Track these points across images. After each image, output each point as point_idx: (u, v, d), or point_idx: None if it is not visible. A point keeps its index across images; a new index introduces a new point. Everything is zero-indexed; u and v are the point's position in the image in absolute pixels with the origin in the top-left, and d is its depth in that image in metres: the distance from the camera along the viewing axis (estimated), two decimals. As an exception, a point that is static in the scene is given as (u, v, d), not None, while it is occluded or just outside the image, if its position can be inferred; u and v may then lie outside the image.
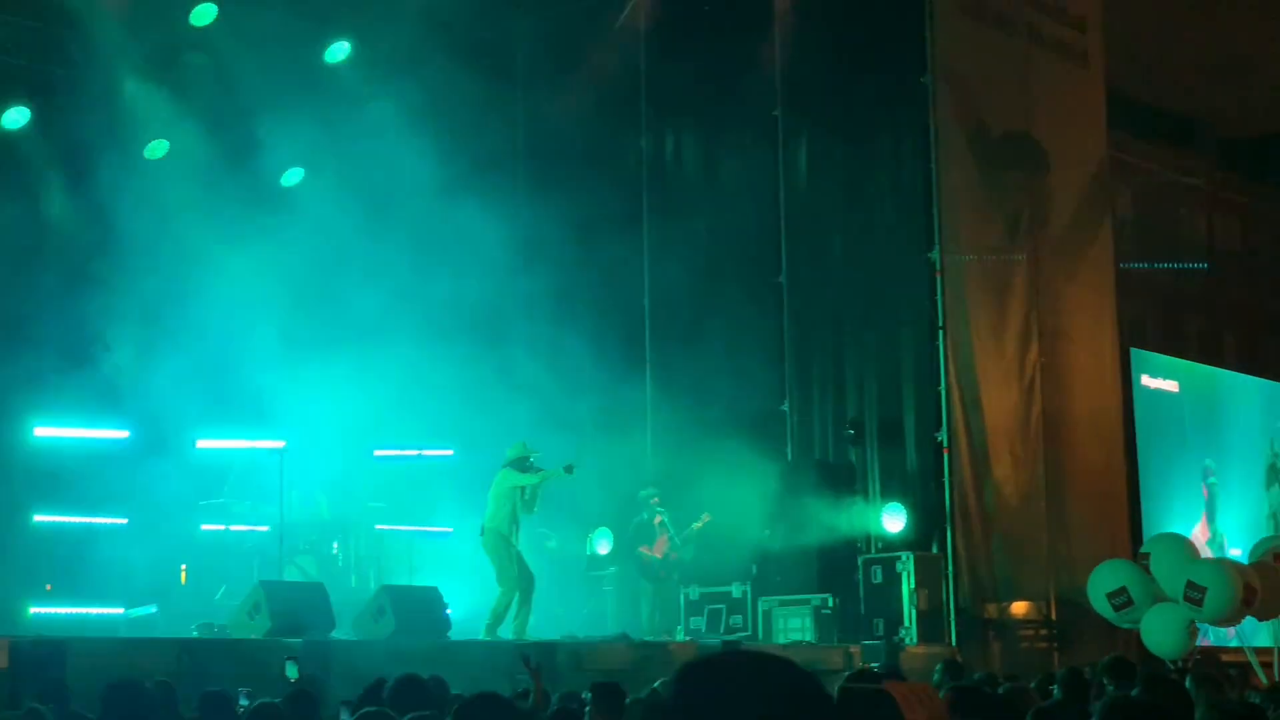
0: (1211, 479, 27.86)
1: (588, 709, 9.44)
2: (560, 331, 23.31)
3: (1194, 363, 30.80)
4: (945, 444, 21.42)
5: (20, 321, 20.51)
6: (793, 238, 23.21)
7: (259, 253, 20.37)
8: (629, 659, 17.05)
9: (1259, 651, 21.98)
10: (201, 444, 20.96)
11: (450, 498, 21.58)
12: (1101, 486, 23.63)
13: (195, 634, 16.91)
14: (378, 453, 22.53)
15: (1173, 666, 18.37)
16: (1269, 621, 21.70)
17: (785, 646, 19.70)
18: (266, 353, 20.51)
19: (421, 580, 19.79)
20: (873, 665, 17.51)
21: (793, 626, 20.85)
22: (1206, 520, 27.48)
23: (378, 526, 21.70)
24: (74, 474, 19.76)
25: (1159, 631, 19.77)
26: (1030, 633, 22.28)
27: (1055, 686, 11.74)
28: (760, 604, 21.42)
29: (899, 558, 20.96)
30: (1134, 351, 27.26)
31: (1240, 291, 39.66)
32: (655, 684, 11.02)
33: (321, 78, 22.90)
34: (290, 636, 15.13)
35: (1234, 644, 22.41)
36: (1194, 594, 19.36)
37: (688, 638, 20.68)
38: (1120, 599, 19.93)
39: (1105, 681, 12.16)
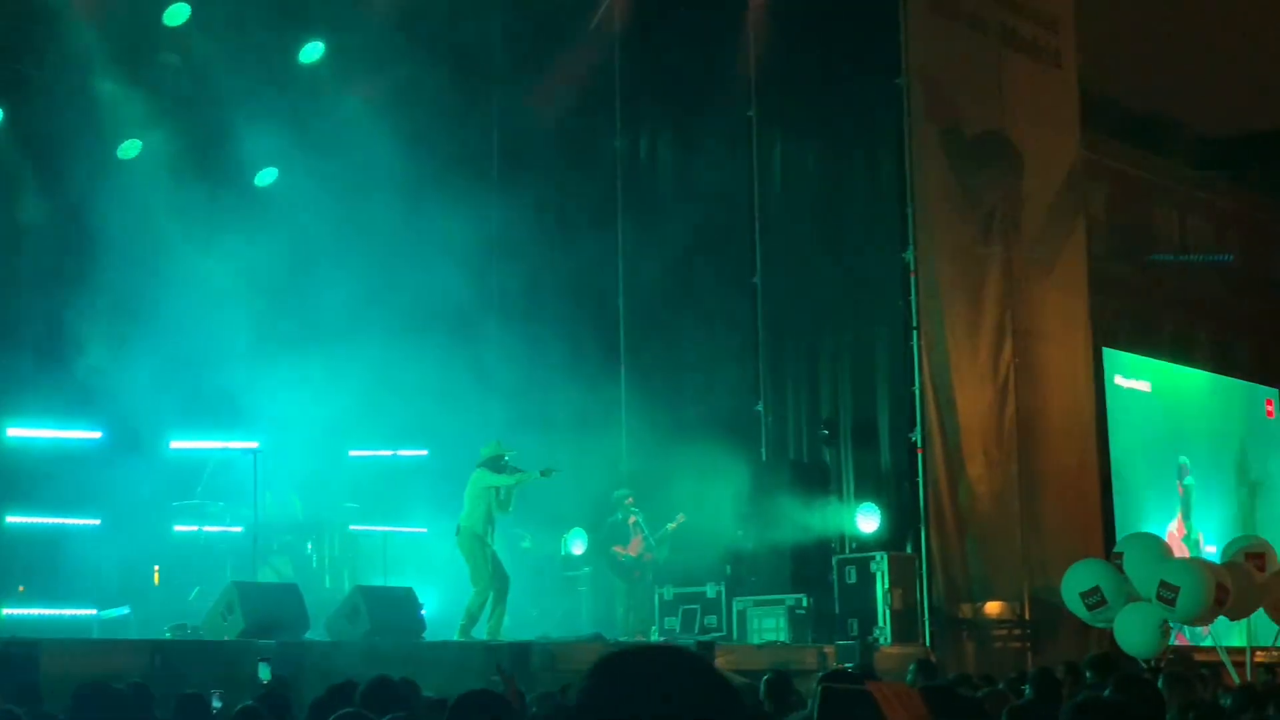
0: (1187, 478, 27.95)
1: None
2: (534, 331, 23.31)
3: (1166, 362, 30.89)
4: (919, 444, 21.47)
5: (-7, 321, 20.44)
6: (767, 238, 23.24)
7: (233, 252, 20.32)
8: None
9: (1231, 651, 22.09)
10: (176, 445, 20.88)
11: (425, 498, 21.54)
12: (1075, 486, 23.70)
13: (168, 635, 16.85)
14: (352, 453, 22.47)
15: (1145, 666, 18.44)
16: (1241, 621, 21.82)
17: (760, 647, 19.71)
18: (241, 353, 20.45)
19: (396, 581, 19.74)
20: (847, 665, 17.56)
21: (767, 626, 20.87)
22: (1182, 518, 27.57)
23: (352, 527, 21.64)
24: (47, 474, 19.65)
25: (1132, 631, 19.83)
26: (1004, 632, 22.34)
27: (1026, 686, 11.76)
28: (735, 604, 21.44)
29: (873, 558, 20.99)
30: (1106, 351, 27.33)
31: (1213, 291, 39.80)
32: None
33: (295, 77, 22.84)
34: (264, 638, 15.09)
35: (1207, 643, 22.53)
36: (1167, 594, 19.43)
37: (662, 638, 20.67)
38: (1093, 598, 20.00)
39: (1089, 675, 12.22)
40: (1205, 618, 20.48)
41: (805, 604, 20.99)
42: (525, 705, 10.61)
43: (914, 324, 21.66)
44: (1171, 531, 26.93)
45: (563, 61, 24.25)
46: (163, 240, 20.57)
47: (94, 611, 18.87)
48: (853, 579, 21.04)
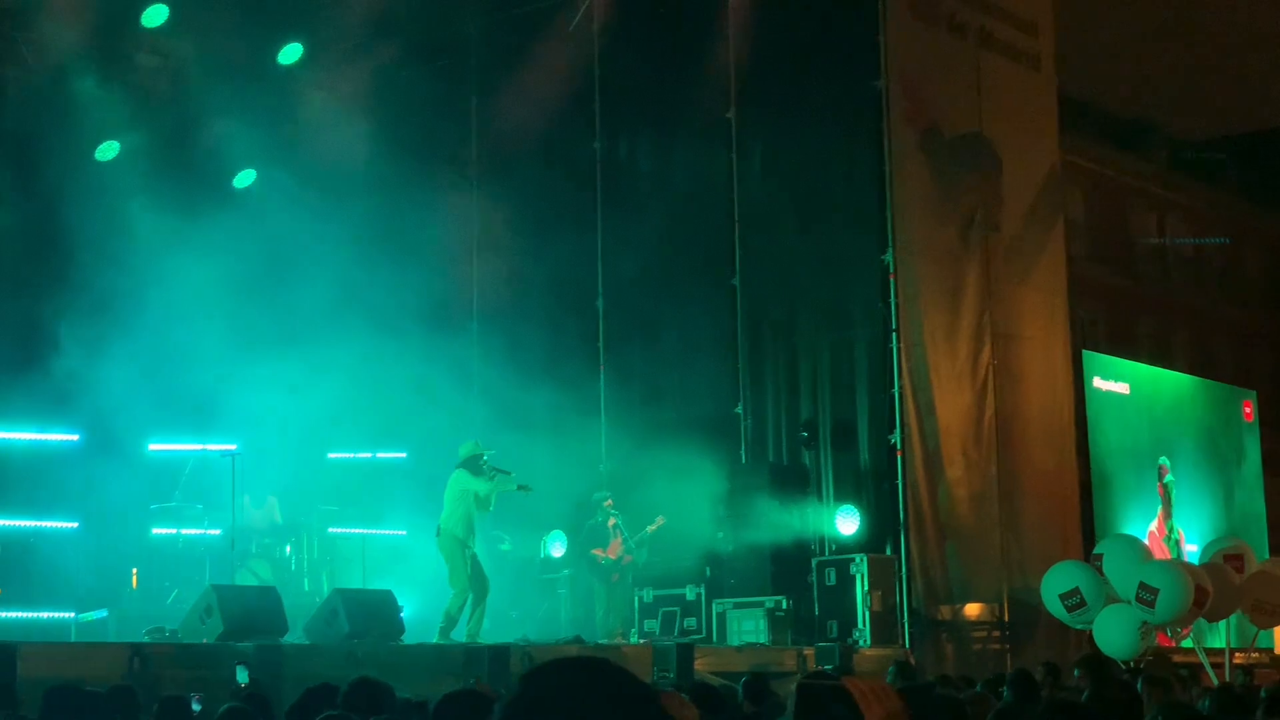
0: (1167, 477, 28.02)
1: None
2: (513, 333, 23.30)
3: (1145, 365, 30.96)
4: (899, 446, 21.48)
5: (-31, 324, 20.37)
6: (746, 240, 23.24)
7: (211, 254, 20.28)
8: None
9: (1210, 652, 22.13)
10: (154, 447, 20.83)
11: (403, 500, 21.52)
12: (1054, 488, 23.73)
13: (146, 638, 16.79)
14: (331, 455, 22.44)
15: (1125, 667, 18.47)
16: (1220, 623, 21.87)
17: (739, 649, 19.71)
18: (220, 355, 20.42)
19: (375, 584, 19.71)
20: (826, 667, 17.58)
21: (746, 628, 20.86)
22: (1162, 518, 27.64)
23: (331, 530, 21.62)
24: (24, 477, 19.60)
25: (1111, 632, 19.86)
26: (983, 634, 22.36)
27: (1005, 688, 11.77)
28: (714, 606, 21.43)
29: (852, 560, 20.99)
30: (1085, 354, 27.40)
31: (1191, 294, 39.91)
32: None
33: (274, 79, 22.79)
34: (242, 641, 15.05)
35: (1187, 644, 22.57)
36: (1146, 595, 19.47)
37: (642, 640, 20.67)
38: (1073, 600, 20.02)
39: (1077, 673, 12.24)
40: (1184, 620, 20.52)
41: (785, 606, 21.00)
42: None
43: (893, 326, 21.68)
44: (1152, 531, 27.01)
45: (542, 63, 24.24)
46: (141, 242, 20.52)
47: (72, 614, 18.82)
48: (832, 581, 21.05)
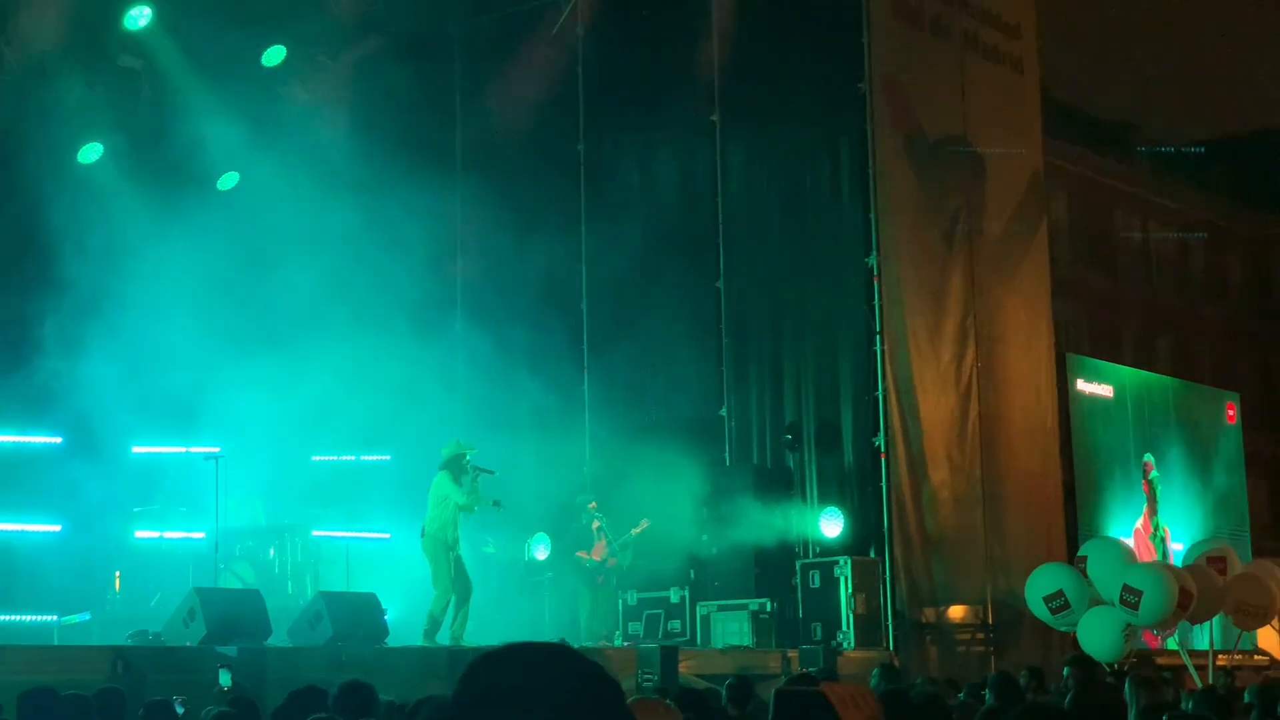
0: (1153, 474, 28.07)
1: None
2: (498, 334, 23.26)
3: (1128, 368, 31.02)
4: (883, 449, 21.49)
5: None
6: (730, 242, 23.25)
7: (194, 255, 20.24)
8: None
9: (1193, 654, 22.18)
10: (137, 450, 20.79)
11: (387, 503, 21.49)
12: (1037, 491, 23.75)
13: (129, 642, 16.75)
14: (315, 458, 22.41)
15: (1109, 669, 18.50)
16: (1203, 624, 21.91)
17: (723, 651, 19.71)
18: (203, 357, 20.38)
19: (359, 586, 19.68)
20: (810, 669, 17.56)
21: (730, 631, 20.86)
22: (1148, 515, 27.69)
23: (315, 532, 21.58)
24: (6, 479, 19.56)
25: (1095, 635, 19.89)
26: (967, 636, 22.38)
27: (987, 691, 11.77)
28: (698, 608, 21.43)
29: (837, 562, 21.00)
30: (1069, 356, 27.43)
31: (1174, 297, 40.00)
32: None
33: (257, 80, 22.76)
34: (226, 644, 15.02)
35: (1172, 645, 22.61)
36: (1130, 597, 19.50)
37: (626, 643, 20.66)
38: (1057, 602, 20.05)
39: (1067, 672, 12.24)
40: (1168, 622, 20.56)
41: (769, 608, 21.00)
42: None
43: (877, 329, 21.69)
44: (1138, 529, 27.07)
45: (526, 64, 24.23)
46: (124, 242, 20.47)
47: (54, 618, 18.78)
48: (816, 583, 21.06)
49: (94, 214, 20.61)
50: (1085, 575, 20.26)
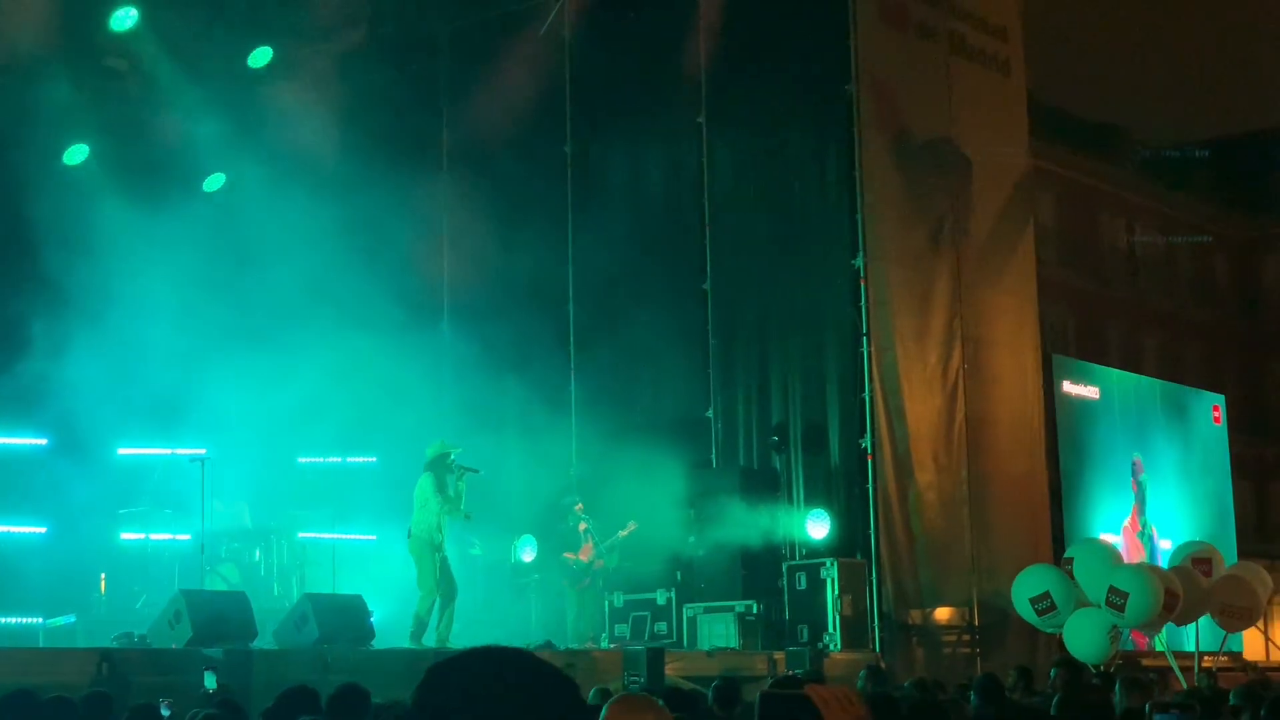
0: (1141, 475, 28.12)
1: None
2: (484, 335, 23.25)
3: (1114, 369, 31.06)
4: (869, 450, 21.51)
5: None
6: (717, 244, 23.26)
7: (180, 257, 20.21)
8: (553, 666, 16.95)
9: (1178, 655, 22.21)
10: (123, 451, 20.74)
11: (373, 505, 21.45)
12: (1023, 492, 23.77)
13: (115, 644, 16.72)
14: (301, 459, 22.37)
15: (1095, 671, 18.52)
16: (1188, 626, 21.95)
17: (710, 653, 19.69)
18: (188, 358, 20.34)
19: (345, 588, 19.65)
20: (796, 671, 17.57)
21: (717, 633, 20.85)
22: (1136, 513, 27.75)
23: (301, 534, 21.55)
24: (-9, 481, 19.51)
25: (1081, 636, 19.92)
26: (953, 638, 22.39)
27: (972, 693, 11.77)
28: (685, 610, 21.43)
29: (823, 564, 21.00)
30: (1055, 358, 27.47)
31: (1160, 299, 40.06)
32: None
33: (243, 81, 22.72)
34: (211, 646, 14.99)
35: (1160, 646, 22.64)
36: (1116, 599, 19.53)
37: (612, 645, 20.65)
38: (1043, 604, 20.09)
39: (1055, 673, 12.24)
40: (1154, 623, 20.60)
41: (755, 610, 21.00)
42: None
43: (864, 330, 21.71)
44: (1126, 526, 27.13)
45: (513, 66, 24.22)
46: (109, 244, 20.43)
47: (39, 620, 18.73)
48: (803, 585, 21.06)
49: (79, 215, 20.56)
50: (1071, 577, 20.29)
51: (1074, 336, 36.18)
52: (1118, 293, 38.78)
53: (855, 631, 20.77)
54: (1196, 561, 21.99)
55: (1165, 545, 26.94)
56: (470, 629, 19.38)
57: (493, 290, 24.18)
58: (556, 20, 24.35)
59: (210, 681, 13.02)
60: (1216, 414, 31.29)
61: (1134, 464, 28.10)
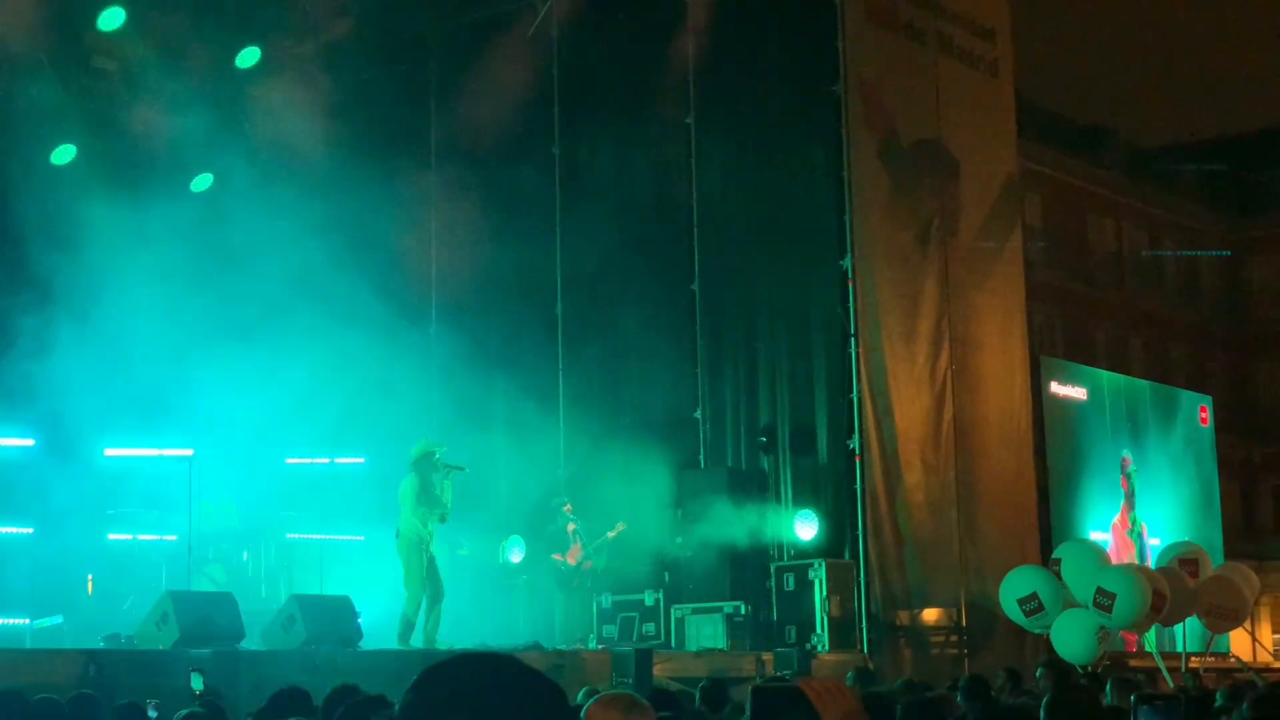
0: (1131, 468, 28.16)
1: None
2: (472, 335, 23.24)
3: (1102, 370, 31.10)
4: (857, 451, 21.51)
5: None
6: (705, 245, 23.26)
7: (168, 257, 20.18)
8: (541, 668, 16.89)
9: (1166, 656, 22.24)
10: (110, 452, 20.70)
11: (361, 506, 21.43)
12: (1012, 493, 23.80)
13: (102, 645, 16.68)
14: (289, 460, 22.34)
15: (1082, 671, 18.54)
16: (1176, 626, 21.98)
17: (698, 654, 19.70)
18: (176, 358, 20.31)
19: (332, 589, 19.63)
20: (784, 672, 17.58)
21: (705, 634, 20.86)
22: (1126, 510, 27.79)
23: (289, 535, 21.53)
24: (-22, 482, 19.47)
25: (1069, 637, 19.93)
26: (941, 639, 22.41)
27: (959, 693, 11.76)
28: (673, 611, 21.42)
29: (811, 565, 21.01)
30: (1043, 359, 27.50)
31: (1148, 300, 40.11)
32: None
33: (231, 81, 22.70)
34: (199, 647, 14.97)
35: (1151, 646, 22.67)
36: (1104, 600, 19.55)
37: (600, 646, 20.64)
38: (1031, 604, 20.10)
39: (1041, 674, 12.23)
40: (1141, 624, 20.62)
41: (743, 611, 20.99)
42: None
43: (852, 331, 21.71)
44: (1115, 524, 27.17)
45: (502, 67, 24.19)
46: (98, 244, 20.40)
47: (27, 621, 18.69)
48: (791, 586, 21.07)
49: (67, 215, 20.53)
50: (1059, 578, 20.31)
51: (1062, 337, 36.23)
52: (1105, 294, 38.83)
53: (843, 632, 20.78)
54: (1183, 562, 22.03)
55: (1154, 542, 27.00)
56: (458, 629, 19.37)
57: (481, 289, 24.17)
58: (545, 21, 24.35)
59: (197, 683, 12.98)
60: (1204, 415, 31.35)
61: (1122, 460, 28.14)
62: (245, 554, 21.21)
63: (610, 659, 17.38)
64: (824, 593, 20.74)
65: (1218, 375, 40.05)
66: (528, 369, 23.35)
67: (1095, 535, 26.32)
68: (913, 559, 21.99)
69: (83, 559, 20.03)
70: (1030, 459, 24.58)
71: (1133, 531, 27.55)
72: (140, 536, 20.43)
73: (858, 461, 21.50)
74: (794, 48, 22.57)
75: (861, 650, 20.81)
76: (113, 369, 19.80)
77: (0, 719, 8.45)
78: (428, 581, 17.82)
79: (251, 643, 16.40)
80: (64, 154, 21.51)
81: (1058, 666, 12.71)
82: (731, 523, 21.17)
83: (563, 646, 19.81)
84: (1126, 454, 28.26)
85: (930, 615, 22.32)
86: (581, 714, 3.78)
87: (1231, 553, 29.88)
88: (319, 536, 21.64)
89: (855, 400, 21.61)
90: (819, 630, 20.66)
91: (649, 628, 21.56)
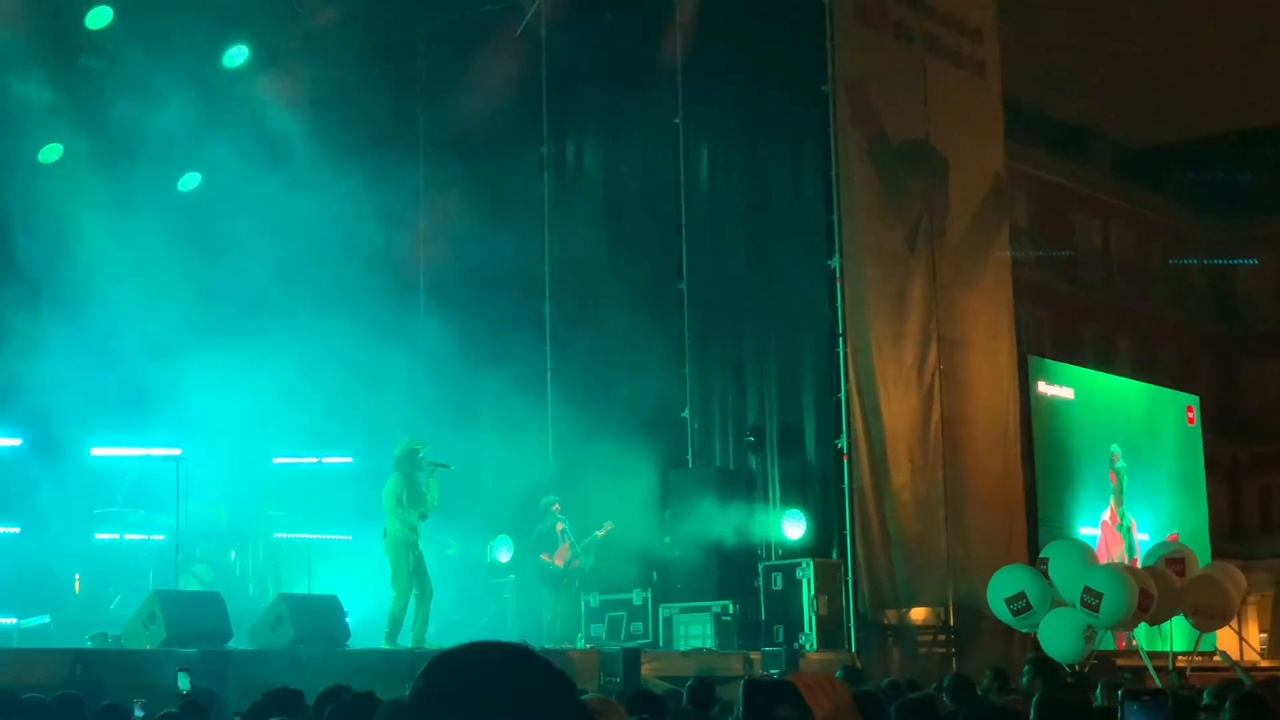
0: (1119, 464, 28.17)
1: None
2: (460, 335, 23.21)
3: (1089, 370, 31.12)
4: (845, 451, 21.52)
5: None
6: (693, 245, 23.26)
7: (156, 256, 20.16)
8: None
9: (1153, 655, 22.26)
10: (97, 451, 20.67)
11: (349, 505, 21.42)
12: (999, 493, 23.83)
13: (90, 644, 16.66)
14: (276, 460, 22.32)
15: (1070, 671, 18.56)
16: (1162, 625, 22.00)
17: (686, 653, 19.70)
18: (164, 356, 20.29)
19: (320, 589, 19.61)
20: (773, 672, 17.58)
21: (693, 633, 20.86)
22: (1115, 506, 27.81)
23: (276, 535, 21.51)
24: (-36, 482, 19.42)
25: (1057, 636, 19.94)
26: (929, 638, 22.43)
27: (944, 694, 11.76)
28: (661, 611, 21.42)
29: (799, 564, 21.02)
30: (1031, 359, 27.51)
31: (1134, 299, 40.18)
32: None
33: (219, 80, 22.68)
34: (186, 647, 14.94)
35: (1145, 644, 22.70)
36: (1091, 599, 19.56)
37: (588, 645, 20.63)
38: (1019, 604, 20.11)
39: (1027, 672, 12.23)
40: (1128, 623, 20.64)
41: (731, 611, 20.99)
42: None
43: (840, 331, 21.72)
44: (1105, 520, 27.18)
45: (490, 67, 24.19)
46: (85, 243, 20.38)
47: (14, 620, 18.65)
48: (779, 585, 21.07)
49: (55, 213, 20.50)
50: (1047, 577, 20.32)
51: (1049, 337, 36.26)
52: (1092, 293, 38.88)
53: (831, 632, 20.80)
54: (1170, 562, 22.04)
55: (1143, 538, 27.03)
56: (446, 629, 19.37)
57: (469, 287, 24.16)
58: (533, 20, 24.34)
59: (184, 683, 12.95)
60: (1190, 415, 31.37)
61: (1111, 456, 28.16)
62: (233, 553, 21.18)
63: (598, 658, 17.38)
64: (812, 592, 20.75)
65: (1205, 375, 40.09)
66: (516, 367, 23.33)
67: (1085, 531, 26.35)
68: (900, 558, 22.01)
69: (70, 558, 20.00)
70: (1018, 459, 24.62)
71: (1122, 526, 27.58)
72: (127, 536, 20.40)
73: (845, 461, 21.52)
74: (783, 47, 22.57)
75: (849, 649, 20.82)
76: (100, 368, 19.77)
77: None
78: (416, 580, 17.81)
79: (239, 642, 16.39)
80: (51, 152, 21.49)
81: (1044, 664, 12.71)
82: (719, 522, 21.18)
83: (551, 646, 19.81)
84: (1116, 449, 28.29)
85: (918, 614, 22.34)
86: None
87: (1219, 552, 29.91)
88: (306, 536, 21.62)
89: (843, 400, 21.62)
90: (807, 629, 20.67)
91: (637, 627, 21.56)
